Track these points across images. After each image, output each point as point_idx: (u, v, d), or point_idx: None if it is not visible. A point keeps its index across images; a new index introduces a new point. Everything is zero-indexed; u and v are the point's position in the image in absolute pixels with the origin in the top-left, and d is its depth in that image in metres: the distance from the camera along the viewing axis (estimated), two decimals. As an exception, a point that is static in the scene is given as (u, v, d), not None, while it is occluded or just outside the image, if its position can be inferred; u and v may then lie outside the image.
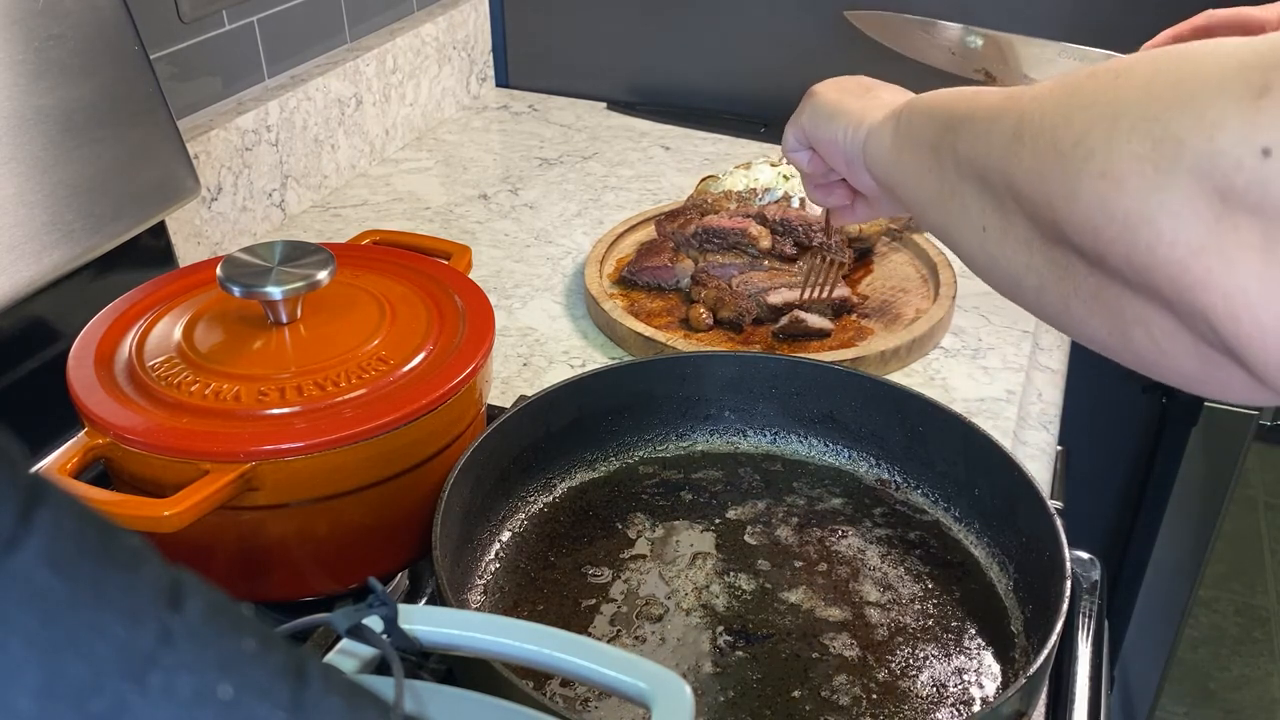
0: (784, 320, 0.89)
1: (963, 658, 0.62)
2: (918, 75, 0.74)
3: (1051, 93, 0.40)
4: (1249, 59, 0.32)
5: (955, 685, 0.60)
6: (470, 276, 0.74)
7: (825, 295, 0.90)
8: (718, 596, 0.66)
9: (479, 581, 0.67)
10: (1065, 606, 0.57)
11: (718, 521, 0.71)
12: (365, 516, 0.63)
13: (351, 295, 0.69)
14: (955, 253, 0.49)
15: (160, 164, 0.83)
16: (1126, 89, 0.35)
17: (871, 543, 0.70)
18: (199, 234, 1.01)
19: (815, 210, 0.94)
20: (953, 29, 0.97)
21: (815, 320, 0.89)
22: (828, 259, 0.90)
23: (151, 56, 0.85)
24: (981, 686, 0.60)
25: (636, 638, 0.63)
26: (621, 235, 1.04)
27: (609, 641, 0.62)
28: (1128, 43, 0.65)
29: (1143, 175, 0.33)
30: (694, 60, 1.36)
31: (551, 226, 1.13)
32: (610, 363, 0.81)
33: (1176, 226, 0.33)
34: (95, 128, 0.77)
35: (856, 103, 0.62)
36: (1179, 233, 0.32)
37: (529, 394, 0.74)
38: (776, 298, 0.90)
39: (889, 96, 0.61)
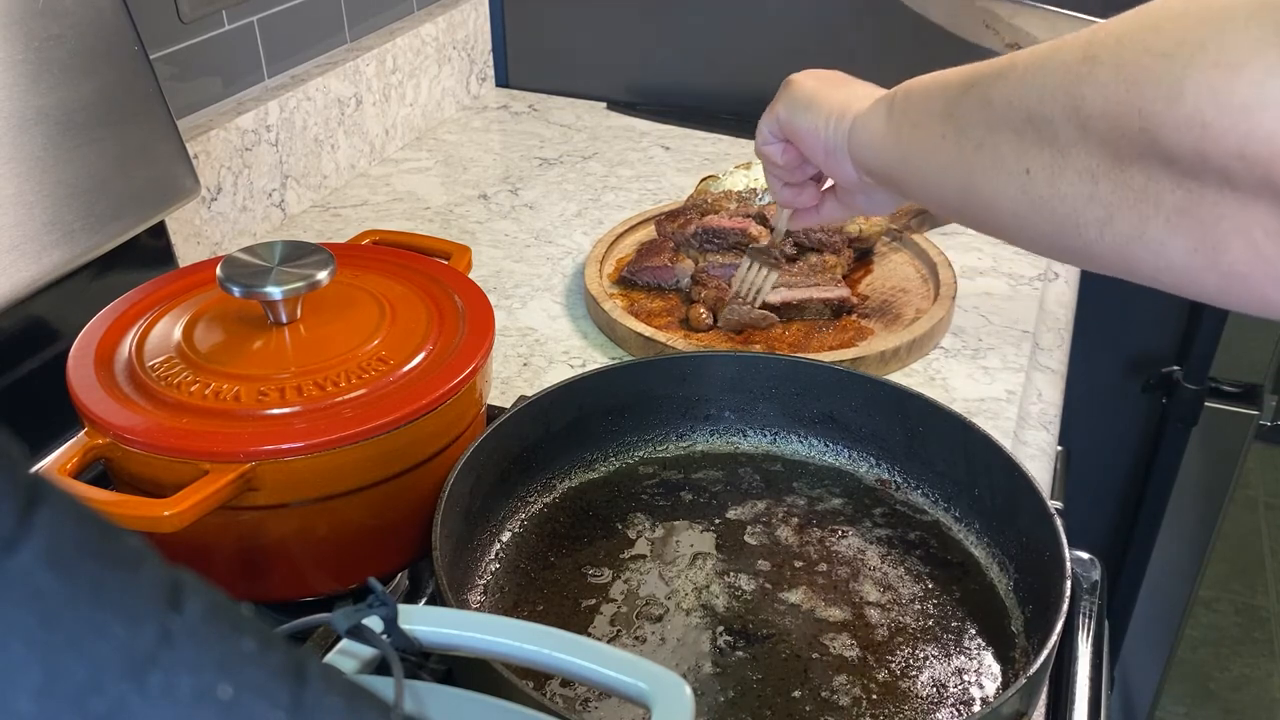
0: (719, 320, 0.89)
1: (963, 658, 0.62)
2: (923, 58, 0.73)
3: (1122, 18, 0.39)
4: None
5: (955, 685, 0.60)
6: (470, 276, 0.74)
7: (756, 298, 0.89)
8: (718, 596, 0.66)
9: (479, 581, 0.67)
10: (1065, 606, 0.57)
11: (718, 521, 0.71)
12: (365, 516, 0.63)
13: (351, 295, 0.69)
14: (983, 215, 0.48)
15: (160, 164, 0.83)
16: None
17: (871, 543, 0.70)
18: (199, 234, 1.01)
19: None
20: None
21: (752, 313, 0.88)
22: (764, 267, 0.87)
23: (151, 56, 0.85)
24: (981, 686, 0.60)
25: (636, 638, 0.63)
26: (621, 235, 1.04)
27: (609, 642, 0.62)
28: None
29: (1265, 58, 0.33)
30: (694, 60, 1.36)
31: (551, 226, 1.13)
32: (610, 363, 0.81)
33: None
34: (95, 128, 0.77)
35: (837, 93, 0.61)
36: None
37: (529, 394, 0.74)
38: (775, 297, 0.90)
39: (866, 90, 0.61)
